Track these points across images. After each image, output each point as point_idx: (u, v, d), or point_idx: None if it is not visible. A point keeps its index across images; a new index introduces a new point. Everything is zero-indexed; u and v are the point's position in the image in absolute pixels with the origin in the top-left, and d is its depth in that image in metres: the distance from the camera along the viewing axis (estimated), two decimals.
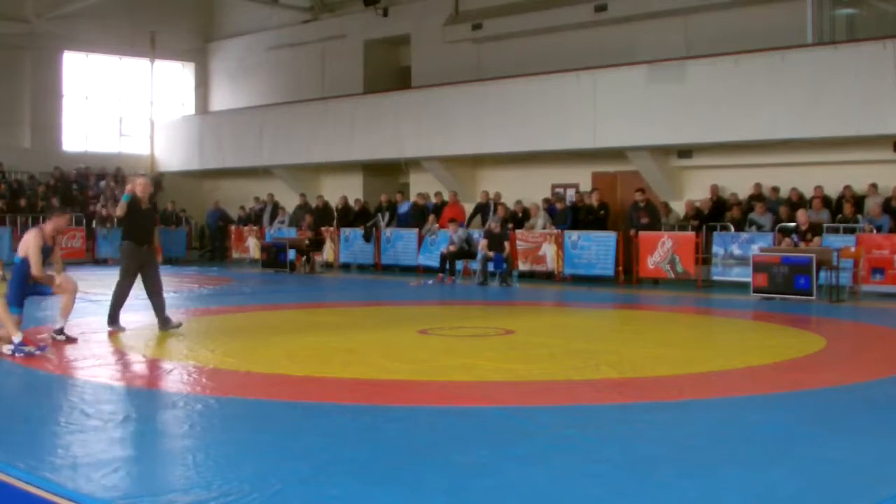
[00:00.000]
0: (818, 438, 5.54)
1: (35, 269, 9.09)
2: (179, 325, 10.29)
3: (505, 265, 17.59)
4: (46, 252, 9.30)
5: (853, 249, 14.72)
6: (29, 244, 9.15)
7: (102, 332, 10.07)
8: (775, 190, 17.72)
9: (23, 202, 24.95)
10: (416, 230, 20.93)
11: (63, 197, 25.87)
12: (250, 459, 5.01)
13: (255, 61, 29.25)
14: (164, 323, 10.16)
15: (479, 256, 17.82)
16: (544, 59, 21.23)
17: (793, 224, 15.73)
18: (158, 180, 28.73)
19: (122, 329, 10.04)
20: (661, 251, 17.27)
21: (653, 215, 17.96)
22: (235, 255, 25.32)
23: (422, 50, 24.96)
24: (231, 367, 7.94)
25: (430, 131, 21.77)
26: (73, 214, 25.05)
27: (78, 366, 7.91)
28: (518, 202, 20.30)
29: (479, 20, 22.99)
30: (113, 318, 10.13)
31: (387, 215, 22.21)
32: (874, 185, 16.59)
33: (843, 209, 16.40)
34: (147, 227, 10.27)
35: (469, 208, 21.09)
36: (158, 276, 10.30)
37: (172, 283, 17.59)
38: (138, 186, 10.32)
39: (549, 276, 18.69)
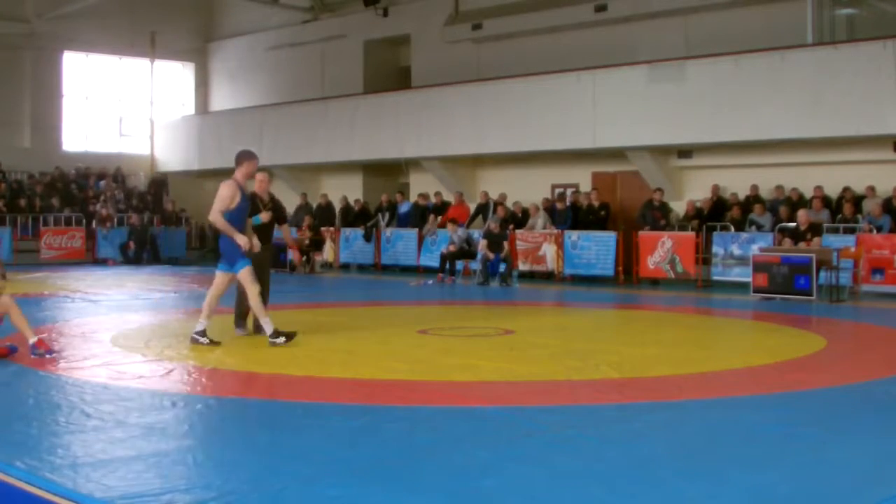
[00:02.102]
0: (818, 438, 5.54)
1: (213, 214, 8.69)
2: (248, 333, 9.88)
3: (504, 266, 17.58)
4: (243, 210, 8.81)
5: (853, 249, 14.73)
6: (221, 193, 8.73)
7: (102, 332, 10.07)
8: (779, 188, 17.70)
9: (23, 202, 24.95)
10: (416, 230, 20.94)
11: (63, 197, 25.89)
12: (250, 459, 5.00)
13: (255, 61, 29.25)
14: (258, 327, 9.64)
15: (479, 256, 17.82)
16: (544, 59, 21.24)
17: (793, 224, 15.73)
18: (163, 180, 28.73)
19: (257, 334, 9.53)
20: (661, 251, 17.28)
21: (666, 216, 18.04)
22: None
23: (422, 50, 24.96)
24: (231, 367, 7.94)
25: (430, 131, 21.78)
26: (73, 214, 25.08)
27: (78, 366, 7.91)
28: (516, 202, 20.31)
29: (479, 20, 23.00)
30: (239, 322, 9.73)
31: (387, 215, 22.21)
32: (872, 188, 16.60)
33: (843, 209, 16.41)
34: (264, 225, 9.80)
35: (470, 208, 21.12)
36: (268, 278, 9.87)
37: (173, 283, 17.62)
38: (257, 183, 9.89)
39: (549, 276, 18.69)
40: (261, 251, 9.65)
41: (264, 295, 9.70)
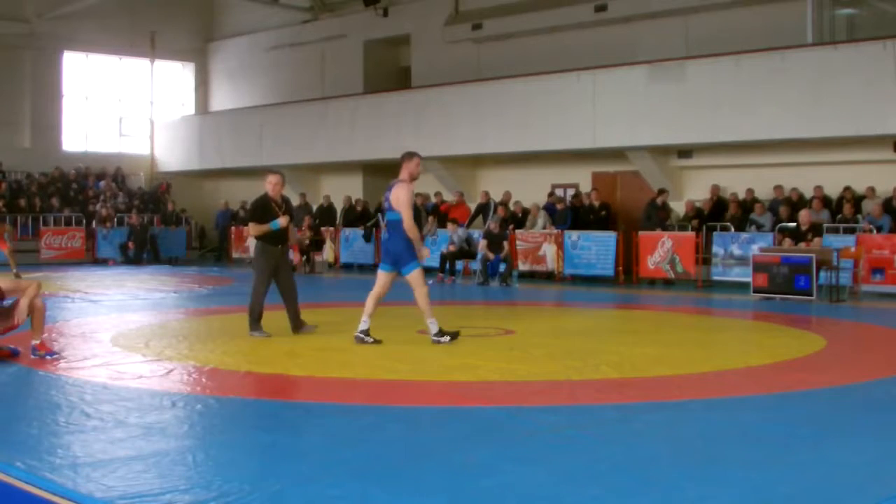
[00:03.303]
0: (818, 438, 5.54)
1: (408, 221, 8.86)
2: (315, 327, 9.97)
3: (504, 266, 17.59)
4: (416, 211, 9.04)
5: (853, 249, 14.73)
6: (401, 197, 8.82)
7: (102, 332, 10.07)
8: (779, 188, 17.68)
9: (23, 202, 24.95)
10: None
11: (63, 197, 25.89)
12: (250, 459, 5.01)
13: (255, 61, 29.26)
14: (298, 326, 9.88)
15: (479, 256, 17.82)
16: (544, 59, 21.23)
17: (793, 224, 15.74)
18: (168, 185, 28.45)
19: (267, 335, 9.62)
20: (661, 251, 17.28)
21: (668, 217, 18.07)
22: (235, 255, 25.32)
23: (422, 50, 24.96)
24: (231, 367, 7.94)
25: (430, 131, 21.77)
26: (72, 214, 25.06)
27: (78, 366, 7.91)
28: (516, 202, 20.30)
29: (479, 20, 23.00)
30: (253, 325, 9.71)
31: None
32: (872, 189, 16.60)
33: (843, 209, 16.41)
34: (282, 227, 9.84)
35: (470, 208, 21.12)
36: (292, 278, 10.01)
37: (173, 283, 17.62)
38: (269, 185, 9.89)
39: (549, 276, 18.69)
40: (280, 252, 9.87)
41: (293, 294, 9.86)
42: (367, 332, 9.14)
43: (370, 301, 9.21)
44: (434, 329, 9.13)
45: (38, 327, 8.32)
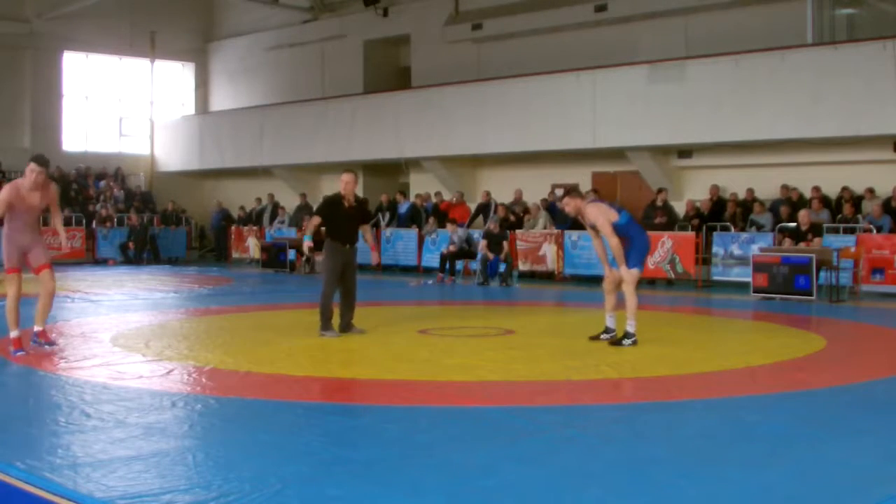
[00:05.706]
0: (818, 438, 5.54)
1: (606, 227, 9.00)
2: (363, 332, 9.94)
3: (504, 266, 17.58)
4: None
5: (853, 249, 14.73)
6: (600, 215, 9.05)
7: (102, 332, 10.08)
8: (784, 188, 17.65)
9: None
10: (416, 230, 20.94)
11: (63, 197, 25.87)
12: (250, 459, 5.00)
13: (255, 61, 29.26)
14: (348, 327, 9.90)
15: (479, 256, 17.83)
16: (544, 59, 21.24)
17: (793, 224, 15.74)
18: (179, 211, 27.98)
19: (337, 334, 9.68)
20: (661, 251, 17.27)
21: (669, 215, 18.04)
22: (235, 255, 25.32)
23: (422, 50, 24.97)
24: (231, 367, 7.94)
25: (430, 131, 21.78)
26: (75, 214, 25.08)
27: (78, 366, 7.91)
28: (518, 203, 20.30)
29: (479, 20, 23.00)
30: (325, 325, 9.74)
31: (387, 215, 22.22)
32: (871, 190, 16.60)
33: (843, 209, 16.41)
34: (351, 225, 9.89)
35: (470, 208, 21.13)
36: (355, 278, 10.01)
37: (173, 283, 17.62)
38: (343, 184, 9.95)
39: (549, 276, 18.69)
40: (349, 251, 9.93)
41: (353, 295, 9.93)
42: (631, 335, 9.15)
43: (630, 300, 9.23)
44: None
45: (44, 310, 8.38)
